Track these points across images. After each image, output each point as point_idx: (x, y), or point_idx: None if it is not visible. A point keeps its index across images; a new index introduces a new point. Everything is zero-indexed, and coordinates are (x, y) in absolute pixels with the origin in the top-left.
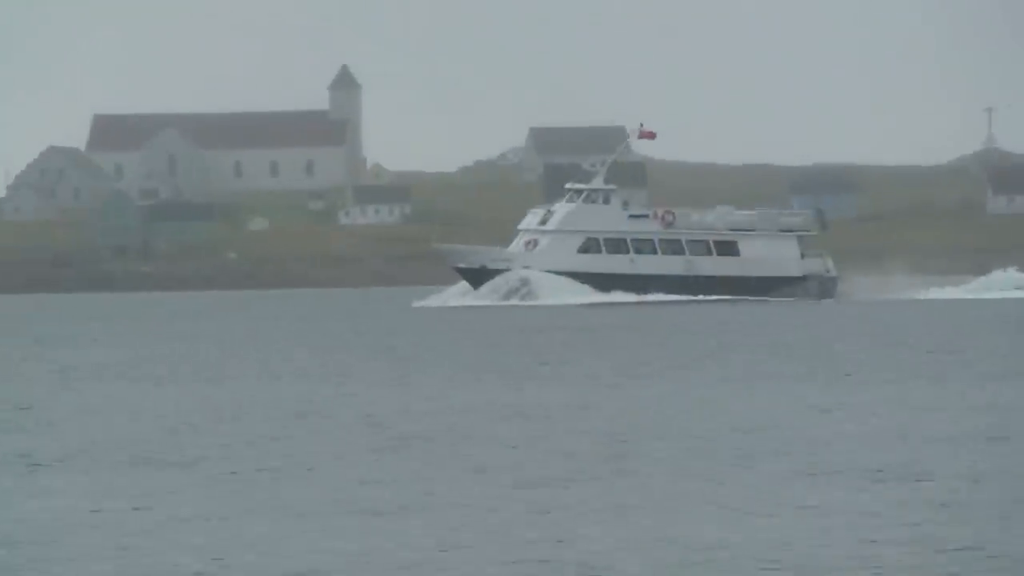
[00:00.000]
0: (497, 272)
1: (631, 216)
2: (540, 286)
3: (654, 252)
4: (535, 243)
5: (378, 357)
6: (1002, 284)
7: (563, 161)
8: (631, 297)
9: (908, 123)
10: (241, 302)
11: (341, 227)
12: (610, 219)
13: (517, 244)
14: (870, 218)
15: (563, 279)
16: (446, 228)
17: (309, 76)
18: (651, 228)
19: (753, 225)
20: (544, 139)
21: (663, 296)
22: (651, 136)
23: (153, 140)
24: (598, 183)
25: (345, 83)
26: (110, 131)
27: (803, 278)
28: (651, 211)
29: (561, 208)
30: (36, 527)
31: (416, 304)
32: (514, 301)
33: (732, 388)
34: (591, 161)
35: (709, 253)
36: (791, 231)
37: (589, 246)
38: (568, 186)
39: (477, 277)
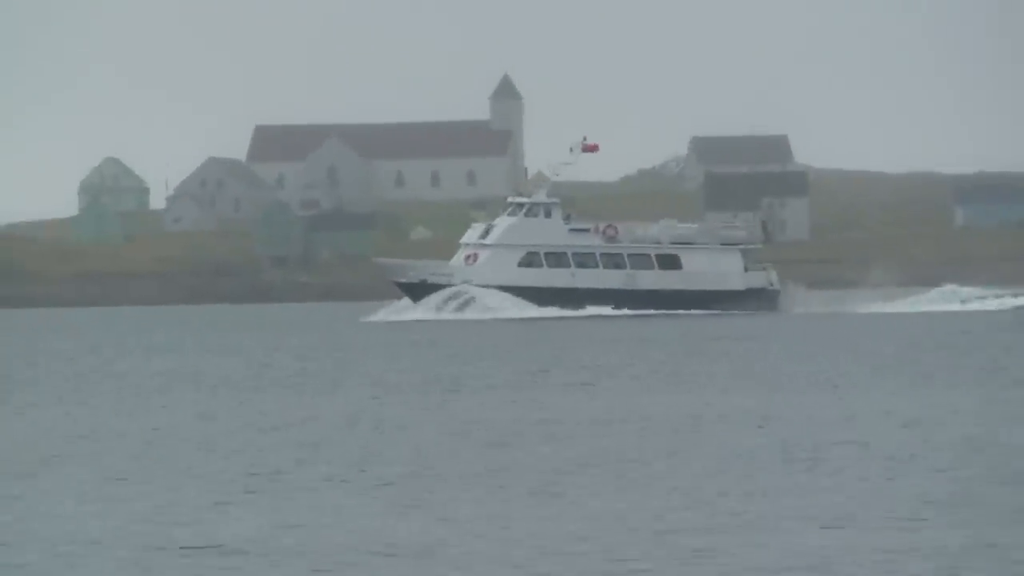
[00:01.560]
0: (437, 287)
1: (572, 230)
2: (479, 300)
3: (596, 266)
4: (475, 257)
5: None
6: (944, 299)
7: (725, 170)
8: (570, 312)
9: None
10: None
11: None
12: (551, 233)
13: (458, 258)
14: None
15: (501, 293)
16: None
17: (470, 86)
18: (592, 242)
19: (696, 239)
20: (706, 148)
21: (602, 311)
22: (594, 149)
23: (315, 150)
24: (540, 197)
25: (506, 93)
26: (271, 142)
27: (745, 292)
28: (592, 225)
29: (502, 222)
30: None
31: (364, 319)
32: (453, 315)
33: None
34: (751, 169)
35: (651, 267)
36: (735, 244)
37: (530, 260)
38: (509, 199)
39: (417, 291)
